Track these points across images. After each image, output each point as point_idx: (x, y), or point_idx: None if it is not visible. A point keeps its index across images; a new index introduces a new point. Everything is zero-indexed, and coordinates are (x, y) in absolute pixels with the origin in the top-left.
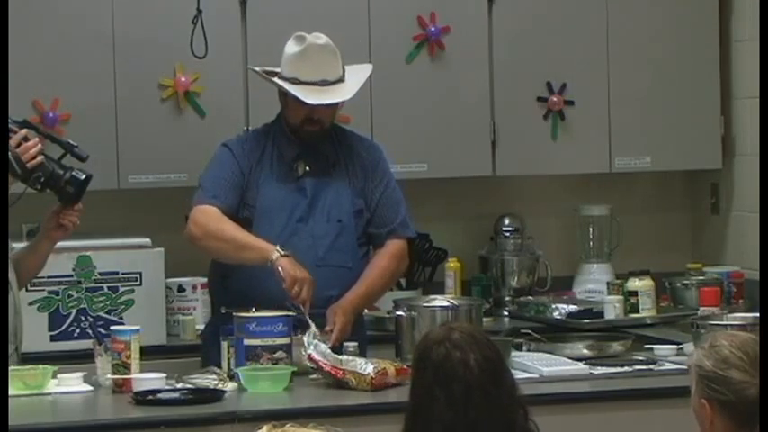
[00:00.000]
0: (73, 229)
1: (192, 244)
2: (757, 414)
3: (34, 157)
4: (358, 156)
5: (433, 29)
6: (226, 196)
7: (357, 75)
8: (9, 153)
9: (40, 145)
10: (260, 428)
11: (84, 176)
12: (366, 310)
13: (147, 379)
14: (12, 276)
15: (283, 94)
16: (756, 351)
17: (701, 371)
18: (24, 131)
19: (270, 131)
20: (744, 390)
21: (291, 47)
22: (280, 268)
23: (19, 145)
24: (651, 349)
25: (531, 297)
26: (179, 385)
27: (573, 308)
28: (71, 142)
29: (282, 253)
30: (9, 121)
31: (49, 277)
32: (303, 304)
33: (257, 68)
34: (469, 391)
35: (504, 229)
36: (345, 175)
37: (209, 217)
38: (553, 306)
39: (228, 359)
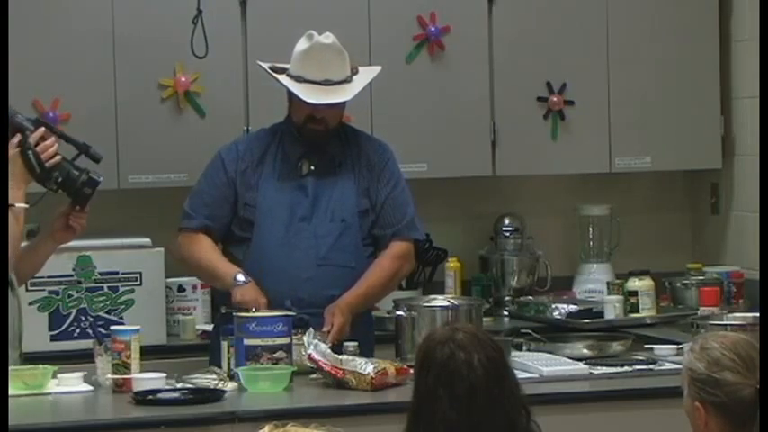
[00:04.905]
0: (80, 231)
1: None
2: (752, 415)
3: (52, 157)
4: (365, 156)
5: (433, 29)
6: (204, 216)
7: (364, 76)
8: (29, 151)
9: (56, 144)
10: (261, 428)
11: (101, 179)
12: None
13: (147, 379)
14: (13, 278)
15: (289, 92)
16: (748, 351)
17: (693, 374)
18: (42, 130)
19: (278, 130)
20: (738, 391)
21: (300, 44)
22: (232, 297)
23: (37, 144)
24: (651, 349)
25: (531, 297)
26: (179, 385)
27: (573, 308)
28: (86, 143)
29: (238, 283)
30: (22, 118)
31: (49, 277)
32: None
33: (265, 64)
34: (473, 392)
35: (504, 229)
36: (351, 175)
37: (185, 242)
38: (553, 306)
39: (228, 359)
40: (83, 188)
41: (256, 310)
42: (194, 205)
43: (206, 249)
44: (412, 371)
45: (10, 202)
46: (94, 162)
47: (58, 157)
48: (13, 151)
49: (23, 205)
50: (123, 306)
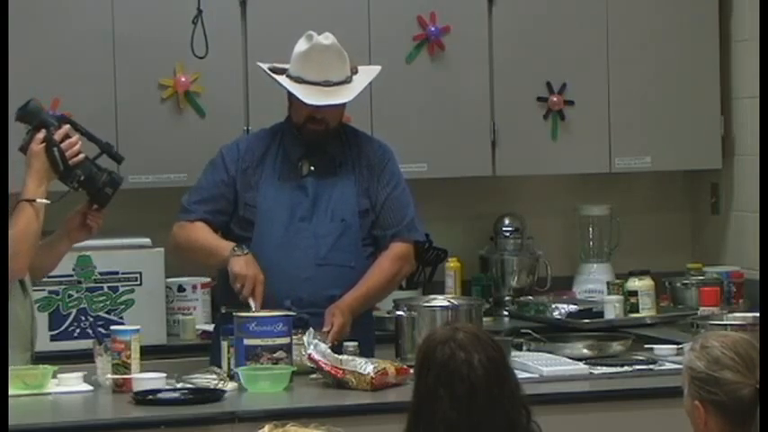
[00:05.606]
0: (96, 230)
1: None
2: (751, 414)
3: (76, 155)
4: (366, 156)
5: (433, 29)
6: (202, 211)
7: (364, 76)
8: (54, 148)
9: (80, 142)
10: (261, 428)
11: (121, 179)
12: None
13: (147, 379)
14: (26, 279)
15: (289, 93)
16: (748, 350)
17: (693, 373)
18: (67, 127)
19: (278, 130)
20: (737, 390)
21: (300, 45)
22: (228, 267)
23: (61, 141)
24: (651, 349)
25: (531, 297)
26: (179, 385)
27: (573, 308)
28: (109, 143)
29: (237, 253)
30: (47, 114)
31: (49, 277)
32: (249, 300)
33: (265, 65)
34: (473, 392)
35: (504, 229)
36: (352, 175)
37: (180, 229)
38: (553, 306)
39: (228, 359)
40: (104, 188)
41: (256, 308)
42: (192, 201)
43: (201, 231)
44: (412, 371)
45: (31, 197)
46: (116, 162)
47: (81, 156)
48: (37, 147)
49: (45, 201)
50: (123, 306)
